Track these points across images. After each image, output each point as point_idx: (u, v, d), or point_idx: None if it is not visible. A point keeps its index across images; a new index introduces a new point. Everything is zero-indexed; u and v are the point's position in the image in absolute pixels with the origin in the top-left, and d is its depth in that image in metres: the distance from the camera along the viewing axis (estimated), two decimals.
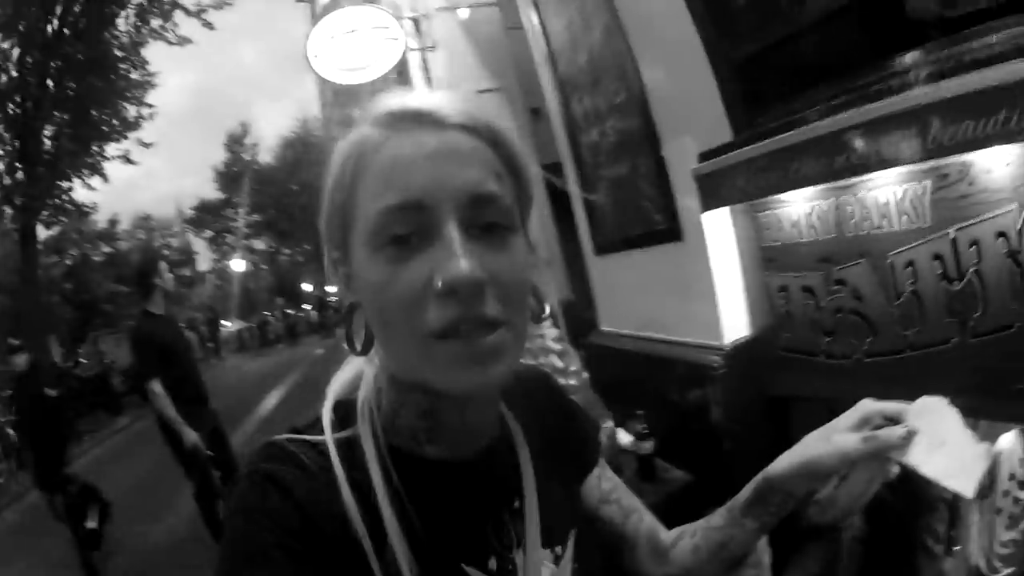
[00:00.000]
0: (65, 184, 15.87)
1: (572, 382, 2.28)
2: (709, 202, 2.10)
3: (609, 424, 2.46)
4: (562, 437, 0.88)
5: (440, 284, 0.57)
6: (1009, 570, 1.33)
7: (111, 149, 16.79)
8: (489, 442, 0.76)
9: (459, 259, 0.57)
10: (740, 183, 1.92)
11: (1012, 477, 2.53)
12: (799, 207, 1.92)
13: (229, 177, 36.93)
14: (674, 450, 2.42)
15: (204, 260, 36.96)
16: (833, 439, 0.78)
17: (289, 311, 34.28)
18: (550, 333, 2.28)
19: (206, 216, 37.14)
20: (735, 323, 2.21)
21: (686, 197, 2.23)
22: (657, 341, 2.61)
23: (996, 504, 1.44)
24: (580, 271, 3.34)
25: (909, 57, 1.46)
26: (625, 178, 2.54)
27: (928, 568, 1.95)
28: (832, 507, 0.84)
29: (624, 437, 2.50)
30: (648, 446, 2.36)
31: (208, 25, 16.84)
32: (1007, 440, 2.68)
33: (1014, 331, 1.41)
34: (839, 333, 1.87)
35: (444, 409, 0.69)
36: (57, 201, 15.97)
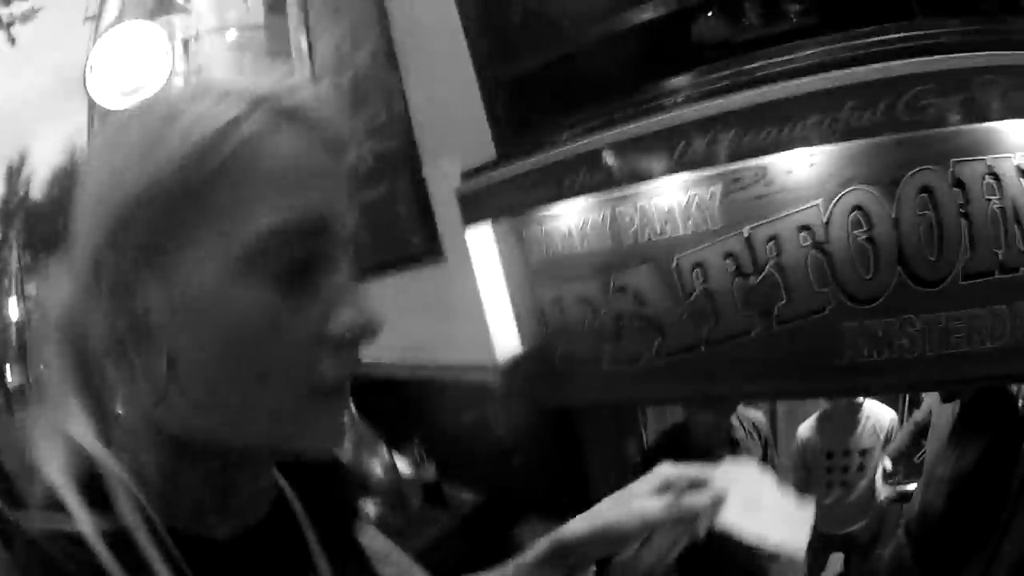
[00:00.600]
0: None
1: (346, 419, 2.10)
2: (472, 220, 2.08)
3: (384, 451, 2.36)
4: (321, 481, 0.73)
5: (347, 331, 0.46)
6: None
7: None
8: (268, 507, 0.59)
9: (364, 301, 0.48)
10: (507, 199, 1.94)
11: (830, 455, 2.78)
12: (570, 219, 1.92)
13: (4, 215, 32.92)
14: (460, 473, 2.40)
15: None
16: (632, 504, 0.73)
17: None
18: None
19: None
20: (507, 340, 2.14)
21: (448, 217, 2.19)
22: (425, 366, 2.48)
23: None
24: None
25: (678, 80, 1.61)
26: (381, 201, 2.51)
27: None
28: (634, 570, 0.82)
29: (403, 466, 2.41)
30: (430, 471, 2.32)
31: (12, 40, 14.97)
32: (806, 428, 2.95)
33: (827, 313, 1.54)
34: (624, 339, 1.87)
35: (246, 475, 0.53)
36: None
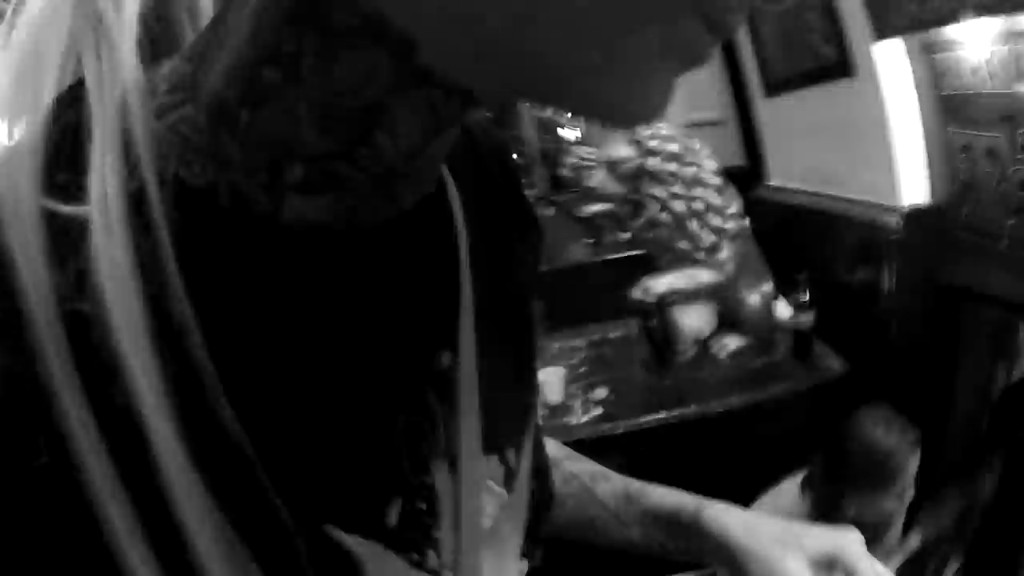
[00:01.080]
0: None
1: (729, 226, 2.02)
2: (880, 30, 1.80)
3: (768, 286, 2.16)
4: (515, 248, 0.54)
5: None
6: None
7: None
8: (410, 213, 0.39)
9: None
10: (912, 7, 1.65)
11: None
12: (977, 51, 1.62)
13: None
14: (832, 329, 2.13)
15: None
16: (788, 559, 0.60)
17: None
18: (708, 164, 2.02)
19: None
20: (913, 184, 1.88)
21: (856, 26, 1.91)
22: (826, 196, 2.26)
23: None
24: (750, 129, 3.15)
25: None
26: (791, 9, 2.34)
27: None
28: None
29: (782, 309, 2.17)
30: (807, 319, 2.03)
31: None
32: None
33: None
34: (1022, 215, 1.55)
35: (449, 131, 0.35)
36: None
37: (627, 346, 2.37)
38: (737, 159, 3.29)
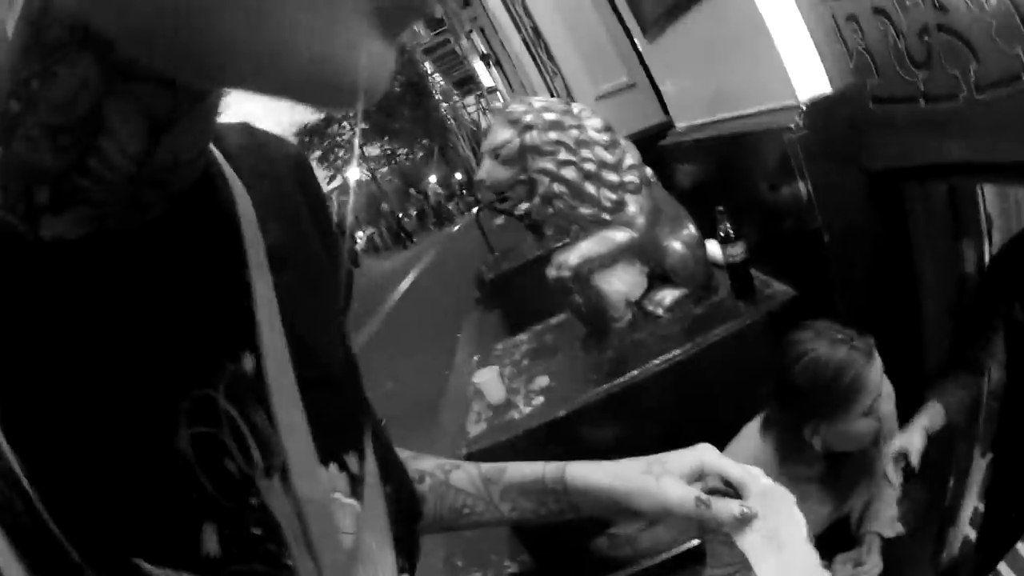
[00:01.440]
0: None
1: (628, 179, 1.93)
2: None
3: (689, 231, 2.07)
4: (312, 237, 0.53)
5: None
6: None
7: None
8: (173, 208, 0.38)
9: None
10: None
11: None
12: None
13: None
14: (769, 257, 2.03)
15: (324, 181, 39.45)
16: (662, 483, 0.62)
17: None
18: (592, 122, 1.92)
19: (312, 139, 39.12)
20: (810, 76, 1.74)
21: None
22: (728, 120, 2.14)
23: None
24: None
25: None
26: None
27: None
28: (628, 546, 0.70)
29: (712, 248, 2.08)
30: (738, 251, 1.93)
31: None
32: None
33: None
34: (934, 65, 1.34)
35: (188, 123, 0.33)
36: None
37: (568, 330, 2.28)
38: (660, 115, 3.26)
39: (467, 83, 11.50)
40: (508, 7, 5.74)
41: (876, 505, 1.43)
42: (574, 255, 1.95)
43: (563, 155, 1.87)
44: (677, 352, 1.83)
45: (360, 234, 34.76)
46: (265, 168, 0.49)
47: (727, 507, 0.61)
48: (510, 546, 2.03)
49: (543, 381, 1.97)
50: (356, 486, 0.46)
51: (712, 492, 0.63)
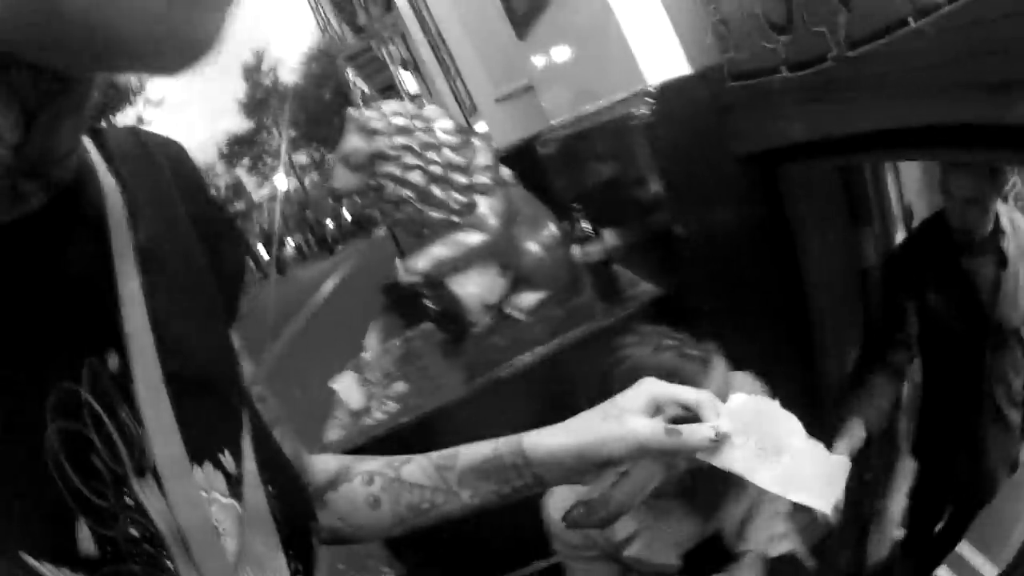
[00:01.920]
0: None
1: (479, 180, 1.92)
2: None
3: (549, 231, 2.04)
4: (201, 237, 0.53)
5: None
6: None
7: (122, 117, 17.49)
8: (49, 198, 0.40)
9: None
10: None
11: None
12: None
13: (253, 105, 38.79)
14: (640, 256, 1.97)
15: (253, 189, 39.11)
16: (626, 422, 0.60)
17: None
18: (441, 125, 1.91)
19: (242, 148, 38.92)
20: (665, 59, 1.61)
21: None
22: (589, 115, 2.09)
23: None
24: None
25: None
26: None
27: (998, 442, 1.60)
28: (603, 509, 0.68)
29: (577, 249, 1.95)
30: (595, 249, 1.87)
31: None
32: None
33: None
34: (796, 26, 1.14)
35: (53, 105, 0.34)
36: None
37: (433, 336, 2.27)
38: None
39: (390, 90, 11.37)
40: (415, 11, 5.73)
41: (755, 522, 1.30)
42: (423, 259, 1.94)
43: (409, 159, 1.85)
44: (528, 357, 1.81)
45: (289, 240, 34.48)
46: (144, 168, 0.50)
47: (699, 431, 0.60)
48: (388, 552, 2.00)
49: (400, 387, 1.95)
50: (235, 486, 0.45)
51: (674, 422, 0.62)
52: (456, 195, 1.90)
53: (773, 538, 1.26)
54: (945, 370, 1.66)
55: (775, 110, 1.32)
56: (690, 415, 0.63)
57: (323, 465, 0.69)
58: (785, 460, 0.60)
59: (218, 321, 0.53)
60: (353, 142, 1.88)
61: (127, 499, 0.39)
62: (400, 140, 1.85)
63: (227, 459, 0.46)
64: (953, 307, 1.56)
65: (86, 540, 0.37)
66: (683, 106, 1.56)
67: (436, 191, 1.88)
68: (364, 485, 0.67)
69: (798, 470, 0.60)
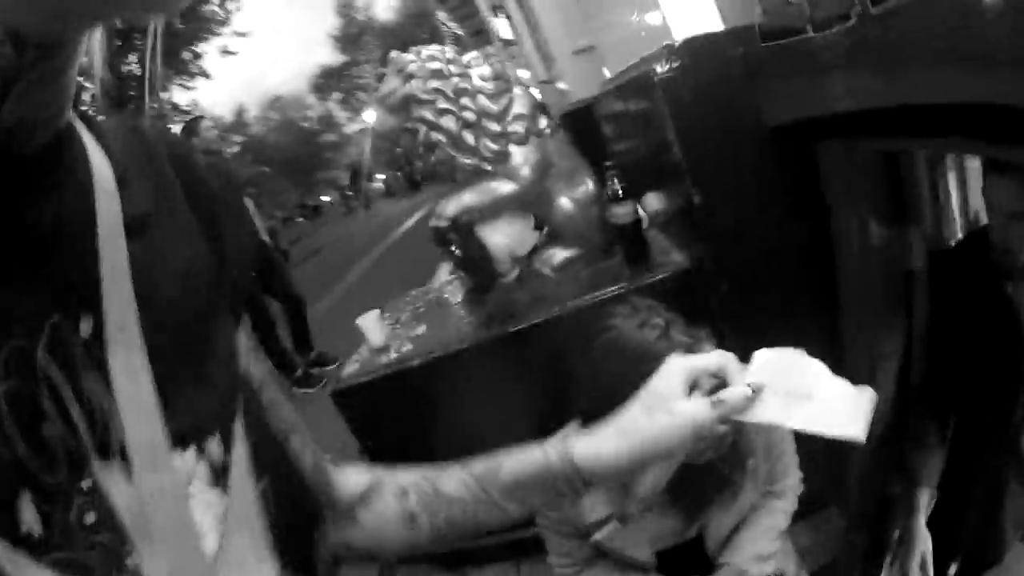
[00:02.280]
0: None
1: (513, 129, 1.88)
2: None
3: (584, 188, 2.00)
4: (202, 218, 0.51)
5: None
6: None
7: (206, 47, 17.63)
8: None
9: None
10: None
11: None
12: None
13: (347, 40, 38.81)
14: (675, 224, 1.85)
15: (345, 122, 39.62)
16: (675, 409, 0.60)
17: None
18: (478, 71, 1.89)
19: (333, 81, 39.32)
20: (694, 19, 1.60)
21: None
22: (625, 73, 1.98)
23: None
24: None
25: None
26: None
27: (1016, 499, 1.38)
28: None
29: (625, 209, 1.85)
30: (624, 211, 1.80)
31: None
32: None
33: None
34: None
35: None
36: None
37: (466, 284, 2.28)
38: None
39: (479, 35, 11.27)
40: None
41: (743, 535, 1.23)
42: (453, 205, 1.94)
43: (441, 103, 1.85)
44: (544, 314, 1.78)
45: (378, 176, 35.05)
46: (136, 148, 0.48)
47: (738, 392, 0.61)
48: None
49: (420, 329, 1.99)
50: (219, 476, 0.41)
51: (710, 392, 0.63)
52: (488, 143, 1.89)
53: (759, 557, 1.20)
54: (974, 413, 1.47)
55: (806, 74, 1.22)
56: (719, 382, 0.63)
57: (352, 479, 0.65)
58: (816, 402, 0.62)
59: (215, 304, 0.49)
60: (390, 84, 1.89)
61: (85, 481, 0.35)
62: (434, 84, 1.85)
63: (215, 446, 0.41)
64: (990, 340, 1.31)
65: (29, 514, 0.33)
66: (710, 65, 1.46)
67: (468, 137, 1.87)
68: (398, 500, 0.64)
69: (829, 408, 0.62)
